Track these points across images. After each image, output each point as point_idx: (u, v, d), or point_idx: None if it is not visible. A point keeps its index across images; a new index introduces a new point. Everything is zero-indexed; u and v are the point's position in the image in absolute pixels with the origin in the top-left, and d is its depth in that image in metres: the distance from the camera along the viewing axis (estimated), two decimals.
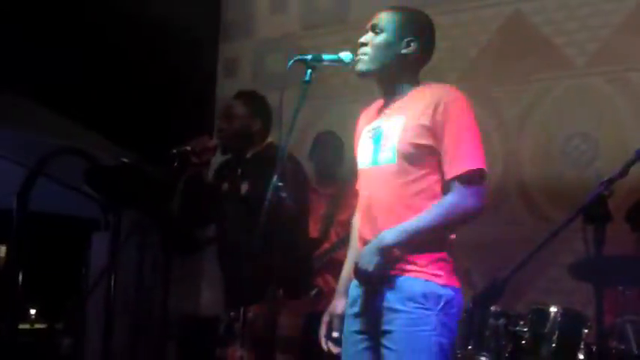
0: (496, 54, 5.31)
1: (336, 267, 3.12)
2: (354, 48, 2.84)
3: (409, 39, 2.77)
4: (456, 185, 2.61)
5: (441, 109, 2.64)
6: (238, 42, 6.51)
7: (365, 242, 2.72)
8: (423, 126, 2.65)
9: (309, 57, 2.79)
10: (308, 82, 2.76)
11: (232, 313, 3.60)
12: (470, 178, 2.61)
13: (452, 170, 2.62)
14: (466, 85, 5.07)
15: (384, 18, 2.80)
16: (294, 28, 6.25)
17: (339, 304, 2.86)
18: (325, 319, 2.87)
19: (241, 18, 6.54)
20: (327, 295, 4.03)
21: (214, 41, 6.54)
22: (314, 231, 4.44)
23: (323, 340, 2.84)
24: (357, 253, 2.76)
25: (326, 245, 4.59)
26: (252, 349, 3.51)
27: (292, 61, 2.78)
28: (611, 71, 4.91)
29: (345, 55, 2.83)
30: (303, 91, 2.73)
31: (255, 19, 6.48)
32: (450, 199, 2.62)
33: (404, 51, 2.77)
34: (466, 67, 5.40)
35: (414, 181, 2.67)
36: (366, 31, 2.82)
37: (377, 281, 2.63)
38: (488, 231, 4.66)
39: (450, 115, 2.64)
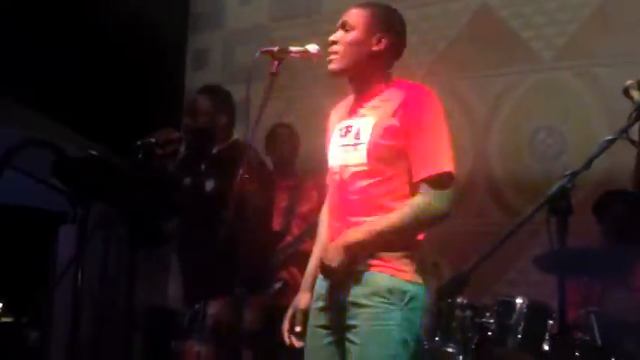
0: (464, 48, 5.33)
1: (301, 259, 3.13)
2: (324, 40, 2.83)
3: (380, 35, 2.75)
4: (425, 188, 2.61)
5: (411, 109, 2.65)
6: (208, 33, 6.47)
7: (334, 240, 2.72)
8: (394, 127, 2.65)
9: (276, 49, 2.79)
10: (275, 74, 2.76)
11: (197, 306, 3.58)
12: (439, 181, 2.61)
13: (421, 172, 2.62)
14: (434, 79, 5.15)
15: (354, 15, 2.78)
16: (264, 20, 6.23)
17: (303, 299, 2.86)
18: (289, 313, 2.87)
19: (211, 9, 6.50)
20: (293, 288, 4.03)
21: (183, 33, 6.50)
22: (275, 224, 4.44)
23: (285, 334, 2.84)
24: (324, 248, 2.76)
25: (288, 238, 4.59)
26: (212, 344, 3.49)
27: (258, 52, 2.78)
28: (578, 66, 4.96)
29: (312, 47, 2.84)
30: (269, 82, 2.73)
31: (225, 10, 6.45)
32: (418, 201, 2.61)
33: (375, 48, 2.75)
34: (434, 60, 5.41)
35: (383, 181, 2.67)
36: (337, 29, 2.80)
37: (341, 277, 2.64)
38: (457, 224, 4.67)
39: (420, 116, 2.64)
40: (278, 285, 4.40)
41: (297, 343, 2.82)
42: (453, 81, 5.27)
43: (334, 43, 2.77)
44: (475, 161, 5.16)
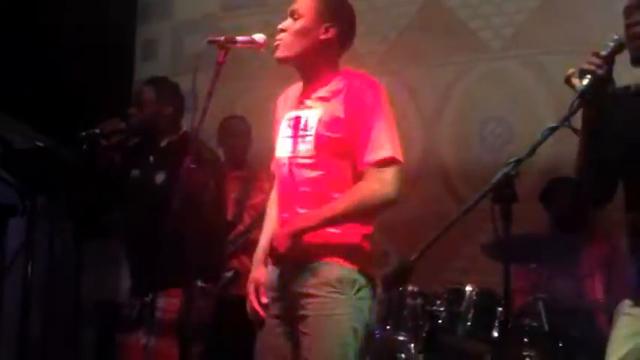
0: (414, 37, 5.35)
1: (252, 249, 3.11)
2: (274, 30, 2.83)
3: (328, 25, 2.76)
4: (372, 173, 2.62)
5: (355, 100, 2.66)
6: (156, 23, 6.39)
7: None
8: (340, 118, 2.67)
9: (222, 38, 2.78)
10: (221, 63, 2.75)
11: (146, 298, 3.55)
12: (384, 167, 2.62)
13: (367, 159, 2.63)
14: (385, 69, 5.17)
15: (303, 3, 2.79)
16: (214, 9, 6.18)
17: (260, 273, 2.83)
18: (251, 288, 2.82)
19: None
20: (244, 277, 4.02)
21: (132, 23, 6.41)
22: (227, 214, 4.42)
23: (256, 305, 2.78)
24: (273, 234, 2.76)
25: (240, 228, 4.59)
26: (161, 337, 3.47)
27: (205, 42, 2.77)
28: (525, 55, 5.01)
29: (258, 36, 2.83)
30: (216, 73, 2.72)
31: (174, 0, 6.39)
32: (364, 186, 2.63)
33: (322, 37, 2.76)
34: (385, 50, 5.43)
35: (330, 173, 2.68)
36: (286, 17, 2.81)
37: (288, 262, 2.64)
38: (408, 212, 4.71)
39: (363, 106, 2.66)
40: (229, 275, 4.39)
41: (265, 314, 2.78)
42: (403, 70, 5.30)
43: (282, 31, 2.78)
44: (426, 150, 5.19)
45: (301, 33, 2.76)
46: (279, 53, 2.78)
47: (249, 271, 3.02)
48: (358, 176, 2.66)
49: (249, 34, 2.87)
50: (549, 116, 4.74)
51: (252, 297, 2.80)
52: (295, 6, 2.80)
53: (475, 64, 5.19)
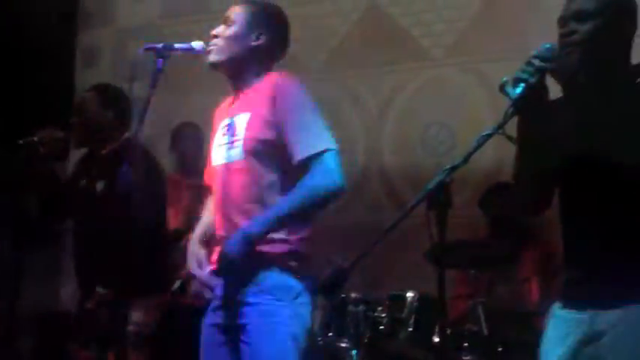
0: (356, 44, 5.39)
1: None
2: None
3: (259, 32, 2.81)
4: (311, 167, 2.63)
5: (278, 99, 2.69)
6: (98, 30, 6.32)
7: (220, 239, 2.72)
8: (265, 120, 2.69)
9: (160, 46, 2.79)
10: (159, 71, 2.76)
11: (87, 306, 3.52)
12: (322, 158, 2.63)
13: (302, 154, 2.64)
14: (327, 76, 5.20)
15: (236, 11, 2.84)
16: (156, 17, 6.14)
17: (199, 248, 2.81)
18: (193, 264, 2.77)
19: (101, 5, 6.37)
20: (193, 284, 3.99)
21: (73, 29, 6.34)
22: (177, 222, 4.39)
23: (204, 276, 2.74)
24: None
25: (190, 236, 4.54)
26: (97, 345, 3.44)
27: (142, 49, 2.77)
28: (466, 62, 5.07)
29: (196, 44, 2.86)
30: (153, 80, 2.71)
31: (116, 6, 6.33)
32: (309, 180, 2.63)
33: (254, 44, 2.81)
34: (327, 57, 5.45)
35: (262, 176, 2.69)
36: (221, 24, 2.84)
37: (240, 269, 2.62)
38: (351, 219, 4.73)
39: (287, 103, 2.68)
40: (176, 285, 4.34)
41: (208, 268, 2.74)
42: (345, 78, 5.34)
43: (215, 36, 2.81)
44: (368, 157, 5.23)
45: (233, 39, 2.80)
46: (212, 57, 2.81)
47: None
48: (292, 176, 2.66)
49: (190, 41, 2.88)
50: (490, 122, 4.75)
51: (195, 271, 2.75)
52: (229, 13, 2.85)
53: (417, 72, 5.24)
